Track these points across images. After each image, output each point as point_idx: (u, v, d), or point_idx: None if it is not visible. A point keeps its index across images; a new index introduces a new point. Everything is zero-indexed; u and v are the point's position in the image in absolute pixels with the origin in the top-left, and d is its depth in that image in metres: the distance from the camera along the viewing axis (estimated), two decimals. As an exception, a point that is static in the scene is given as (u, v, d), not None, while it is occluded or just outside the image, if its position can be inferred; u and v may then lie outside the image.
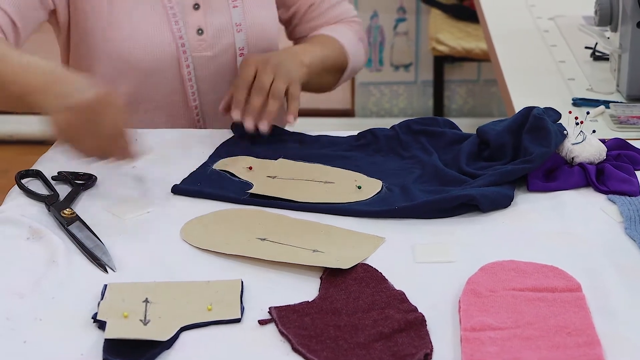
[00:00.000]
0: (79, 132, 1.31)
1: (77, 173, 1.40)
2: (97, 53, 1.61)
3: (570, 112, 1.46)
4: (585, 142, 1.40)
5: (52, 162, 1.46)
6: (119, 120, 1.33)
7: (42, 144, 1.75)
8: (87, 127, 1.30)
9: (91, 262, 1.20)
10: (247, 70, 1.54)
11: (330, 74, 1.75)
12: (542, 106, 1.44)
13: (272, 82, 1.53)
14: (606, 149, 1.41)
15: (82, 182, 1.38)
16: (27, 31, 1.56)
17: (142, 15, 1.59)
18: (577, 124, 1.41)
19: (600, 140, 1.42)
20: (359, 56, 1.81)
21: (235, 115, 1.52)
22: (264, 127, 1.50)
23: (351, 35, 1.78)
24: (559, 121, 1.43)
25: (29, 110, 1.36)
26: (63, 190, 1.36)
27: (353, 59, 1.77)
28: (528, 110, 1.42)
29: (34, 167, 1.43)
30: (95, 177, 1.40)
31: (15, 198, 1.35)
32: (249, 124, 1.50)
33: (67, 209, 1.29)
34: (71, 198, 1.34)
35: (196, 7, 1.62)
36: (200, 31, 1.62)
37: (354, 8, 1.85)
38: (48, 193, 1.36)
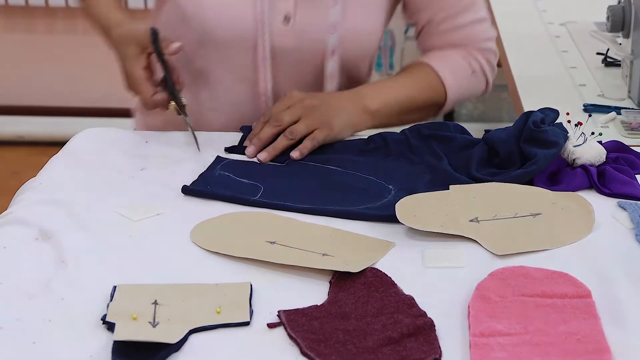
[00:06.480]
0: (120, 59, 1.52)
1: None
2: (184, 20, 1.57)
3: (567, 114, 1.46)
4: (586, 144, 1.41)
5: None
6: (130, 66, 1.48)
7: (51, 145, 1.76)
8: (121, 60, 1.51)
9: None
10: (279, 105, 1.52)
11: (417, 112, 1.62)
12: (552, 113, 1.45)
13: (296, 122, 1.49)
14: (606, 152, 1.42)
15: None
16: None
17: None
18: (576, 125, 1.41)
19: (598, 142, 1.42)
20: (466, 89, 1.65)
21: (247, 144, 1.51)
22: (262, 156, 1.48)
23: (462, 65, 1.63)
24: (559, 122, 1.44)
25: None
26: None
27: (455, 94, 1.62)
28: (527, 115, 1.42)
29: None
30: None
31: (25, 198, 1.35)
32: (249, 151, 1.50)
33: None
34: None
35: None
36: (287, 19, 1.56)
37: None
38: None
